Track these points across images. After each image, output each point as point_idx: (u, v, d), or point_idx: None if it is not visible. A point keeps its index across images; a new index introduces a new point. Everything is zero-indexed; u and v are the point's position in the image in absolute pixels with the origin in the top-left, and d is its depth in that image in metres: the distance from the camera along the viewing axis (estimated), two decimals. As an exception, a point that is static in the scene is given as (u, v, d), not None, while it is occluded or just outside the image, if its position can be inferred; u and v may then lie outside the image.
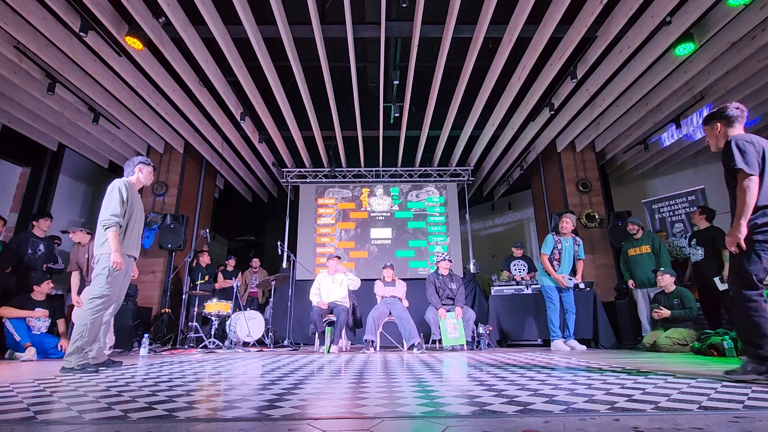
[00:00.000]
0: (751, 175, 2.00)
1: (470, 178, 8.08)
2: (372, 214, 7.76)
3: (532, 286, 5.46)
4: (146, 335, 4.19)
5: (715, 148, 2.31)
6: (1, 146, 5.71)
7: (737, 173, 2.04)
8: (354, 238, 7.62)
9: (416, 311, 5.27)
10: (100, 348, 2.86)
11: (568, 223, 4.82)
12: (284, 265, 6.25)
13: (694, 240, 4.67)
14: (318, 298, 4.98)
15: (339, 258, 5.41)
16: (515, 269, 6.56)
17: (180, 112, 5.95)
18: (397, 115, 5.81)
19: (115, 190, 2.92)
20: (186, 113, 5.85)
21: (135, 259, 3.12)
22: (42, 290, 4.11)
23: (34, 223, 4.89)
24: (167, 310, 5.77)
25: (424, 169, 8.02)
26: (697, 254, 4.57)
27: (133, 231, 3.02)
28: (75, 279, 3.97)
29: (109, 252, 2.80)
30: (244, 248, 11.31)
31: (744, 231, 2.01)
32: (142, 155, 6.96)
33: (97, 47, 4.29)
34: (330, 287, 5.07)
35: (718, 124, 2.27)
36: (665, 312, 4.27)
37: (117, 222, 2.85)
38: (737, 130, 2.22)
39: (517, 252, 6.67)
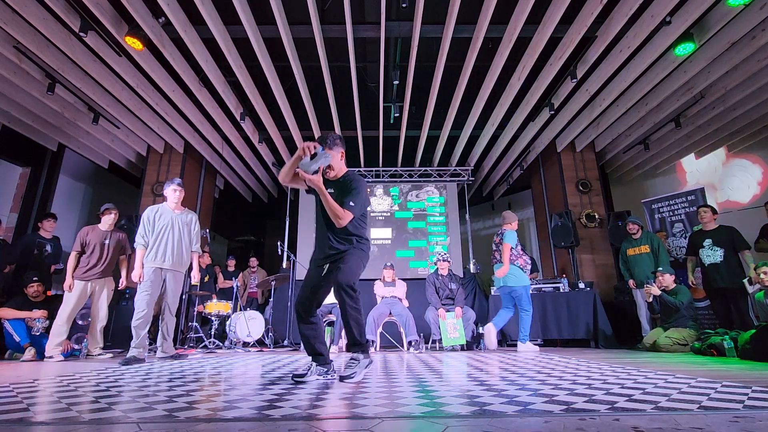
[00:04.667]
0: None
1: (470, 178, 8.09)
2: (372, 214, 7.76)
3: (533, 286, 5.46)
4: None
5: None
6: (1, 146, 5.71)
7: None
8: (354, 238, 7.61)
9: (416, 311, 5.27)
10: (165, 344, 3.68)
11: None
12: (284, 265, 6.24)
13: (708, 241, 4.49)
14: None
15: None
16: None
17: (180, 112, 5.95)
18: (397, 115, 5.80)
19: (141, 217, 3.64)
20: (186, 113, 5.85)
21: (175, 270, 3.64)
22: (28, 292, 4.08)
23: (39, 224, 4.91)
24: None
25: (424, 169, 8.02)
26: (715, 256, 4.42)
27: (159, 246, 3.54)
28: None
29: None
30: (244, 248, 11.29)
31: None
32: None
33: (97, 47, 4.29)
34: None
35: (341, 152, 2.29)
36: (655, 290, 4.31)
37: (138, 243, 3.52)
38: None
39: None
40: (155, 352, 3.74)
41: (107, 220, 4.18)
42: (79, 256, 4.04)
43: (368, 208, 2.43)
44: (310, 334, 2.18)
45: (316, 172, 2.00)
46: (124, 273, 4.18)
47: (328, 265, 2.18)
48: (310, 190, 2.22)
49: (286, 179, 2.21)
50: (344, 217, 2.08)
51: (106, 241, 4.12)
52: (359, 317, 2.07)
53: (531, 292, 5.41)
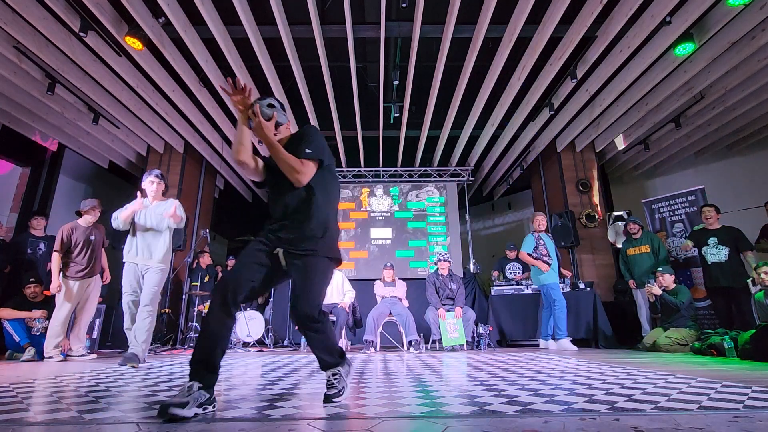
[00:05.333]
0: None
1: (470, 178, 8.08)
2: (372, 214, 7.76)
3: (532, 286, 5.46)
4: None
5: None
6: (1, 146, 5.71)
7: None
8: (354, 238, 7.62)
9: (416, 311, 5.27)
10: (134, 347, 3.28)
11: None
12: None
13: (713, 239, 4.48)
14: None
15: None
16: (510, 272, 6.55)
17: (180, 112, 5.94)
18: (397, 115, 5.81)
19: None
20: (186, 113, 5.85)
21: (150, 266, 3.38)
22: (26, 293, 4.06)
23: (28, 223, 4.90)
24: (167, 310, 5.77)
25: (424, 169, 8.02)
26: (720, 254, 4.40)
27: (132, 242, 3.38)
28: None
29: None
30: (244, 248, 11.32)
31: None
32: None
33: (97, 47, 4.29)
34: (329, 290, 5.07)
35: None
36: (656, 289, 4.33)
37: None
38: None
39: (511, 254, 6.65)
40: (155, 351, 3.72)
41: (89, 218, 4.03)
42: (61, 255, 3.88)
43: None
44: (219, 332, 1.47)
45: (269, 119, 1.68)
46: (107, 269, 4.21)
47: (281, 250, 1.64)
48: (266, 177, 1.79)
49: (242, 154, 1.66)
50: (303, 170, 1.60)
51: (92, 238, 4.02)
52: (328, 341, 1.65)
53: (530, 292, 5.43)
